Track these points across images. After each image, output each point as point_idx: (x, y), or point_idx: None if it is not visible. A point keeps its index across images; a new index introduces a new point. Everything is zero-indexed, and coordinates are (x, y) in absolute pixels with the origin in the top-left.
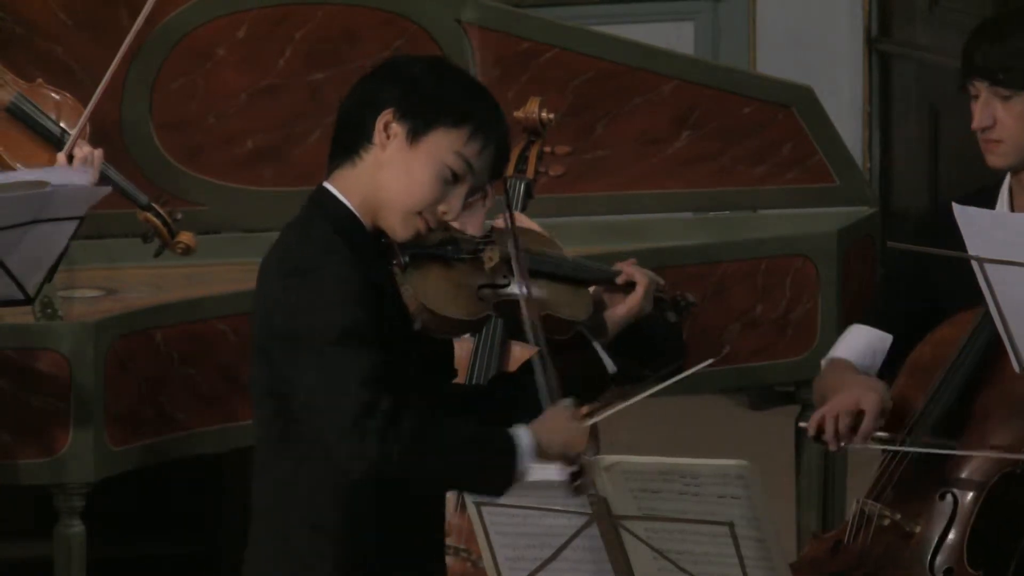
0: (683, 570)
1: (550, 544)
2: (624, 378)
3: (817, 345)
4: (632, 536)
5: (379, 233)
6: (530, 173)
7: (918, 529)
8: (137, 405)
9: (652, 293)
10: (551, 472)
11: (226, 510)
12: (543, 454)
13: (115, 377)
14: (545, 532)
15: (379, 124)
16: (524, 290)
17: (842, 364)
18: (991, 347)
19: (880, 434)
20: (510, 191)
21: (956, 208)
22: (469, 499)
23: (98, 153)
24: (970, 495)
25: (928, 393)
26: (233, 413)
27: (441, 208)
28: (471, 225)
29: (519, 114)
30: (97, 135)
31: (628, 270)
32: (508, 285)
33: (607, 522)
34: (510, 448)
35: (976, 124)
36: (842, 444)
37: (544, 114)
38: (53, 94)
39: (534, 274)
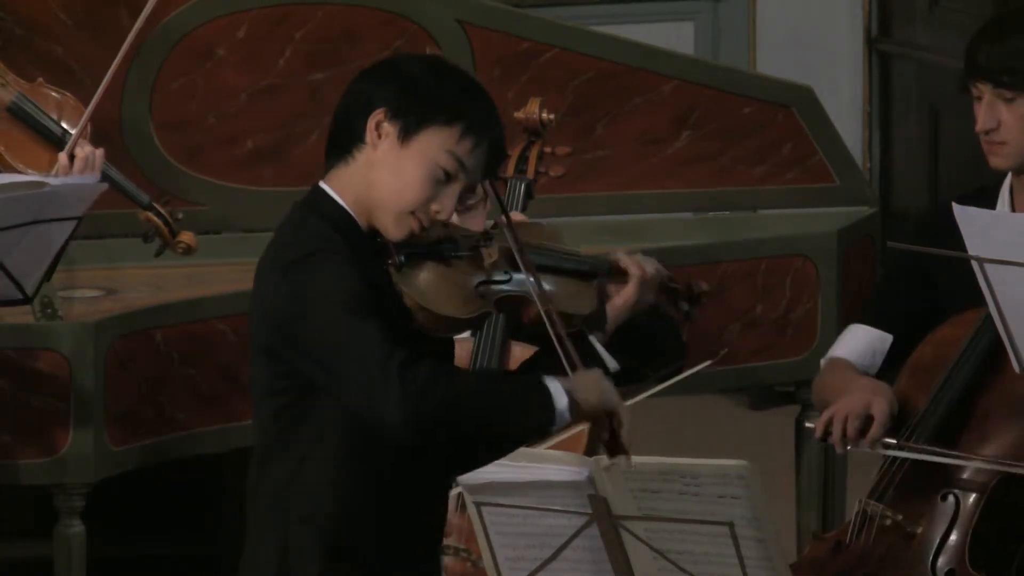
0: (683, 570)
1: (550, 544)
2: (625, 378)
3: (817, 345)
4: (632, 536)
5: (374, 233)
6: (530, 173)
7: (920, 530)
8: (137, 405)
9: (653, 284)
10: (551, 472)
11: (226, 510)
12: (579, 406)
13: (115, 377)
14: (545, 532)
15: (371, 123)
16: (531, 280)
17: (842, 364)
18: (993, 348)
19: (888, 440)
20: (510, 191)
21: (956, 208)
22: (469, 499)
23: (99, 153)
24: (972, 496)
25: (930, 393)
26: (233, 413)
27: (434, 207)
28: (472, 226)
29: (519, 114)
30: (97, 135)
31: (620, 259)
32: (508, 281)
33: (607, 522)
34: (541, 387)
35: (980, 126)
36: (848, 447)
37: (544, 114)
38: (54, 94)
39: (537, 268)
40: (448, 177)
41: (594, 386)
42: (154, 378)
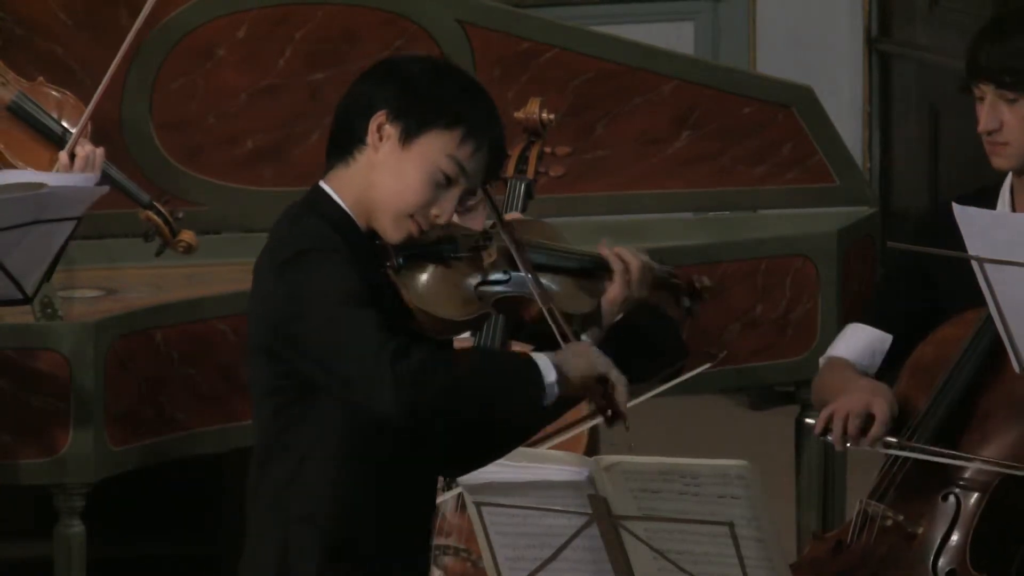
0: (683, 570)
1: (550, 544)
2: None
3: (817, 345)
4: (632, 536)
5: (373, 234)
6: (530, 174)
7: (921, 530)
8: (137, 405)
9: (643, 277)
10: (552, 472)
11: (226, 510)
12: (568, 378)
13: (115, 377)
14: (545, 532)
15: (372, 125)
16: (530, 279)
17: (841, 363)
18: (994, 348)
19: (889, 439)
20: (510, 191)
21: (956, 208)
22: (469, 499)
23: (100, 152)
24: (973, 496)
25: (931, 394)
26: (233, 413)
27: (433, 211)
28: (472, 226)
29: (519, 114)
30: (97, 135)
31: (604, 253)
32: (507, 281)
33: (607, 522)
34: (529, 363)
35: (982, 127)
36: (848, 445)
37: (544, 114)
38: (54, 93)
39: (536, 267)
40: (448, 181)
41: (583, 354)
42: (154, 378)
